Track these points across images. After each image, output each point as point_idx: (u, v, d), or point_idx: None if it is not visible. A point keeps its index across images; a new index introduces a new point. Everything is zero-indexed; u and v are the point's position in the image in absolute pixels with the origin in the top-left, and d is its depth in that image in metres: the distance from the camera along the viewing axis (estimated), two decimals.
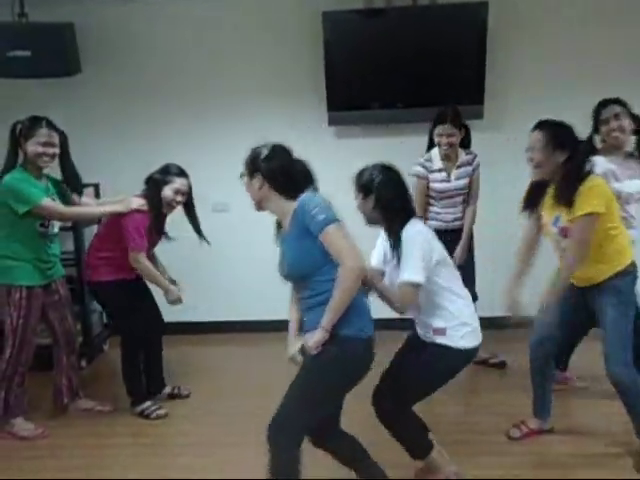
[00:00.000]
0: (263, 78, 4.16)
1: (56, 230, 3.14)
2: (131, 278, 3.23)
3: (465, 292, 2.40)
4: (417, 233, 2.26)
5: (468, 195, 3.59)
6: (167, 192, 3.15)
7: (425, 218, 3.46)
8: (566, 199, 2.45)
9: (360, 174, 2.33)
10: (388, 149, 4.15)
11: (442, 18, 3.93)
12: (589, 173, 2.48)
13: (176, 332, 3.95)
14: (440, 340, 2.30)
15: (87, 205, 3.31)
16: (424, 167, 3.50)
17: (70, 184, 3.17)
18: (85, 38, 4.02)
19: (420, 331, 2.42)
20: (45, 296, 3.11)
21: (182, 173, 3.21)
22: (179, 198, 3.18)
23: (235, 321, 4.44)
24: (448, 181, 3.51)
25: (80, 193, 3.28)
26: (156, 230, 3.22)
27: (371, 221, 2.35)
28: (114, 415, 3.32)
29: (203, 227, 3.34)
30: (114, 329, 3.32)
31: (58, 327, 3.22)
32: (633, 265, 2.60)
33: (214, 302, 4.43)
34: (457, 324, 2.30)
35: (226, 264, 4.33)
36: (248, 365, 3.97)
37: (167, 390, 3.52)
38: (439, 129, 3.41)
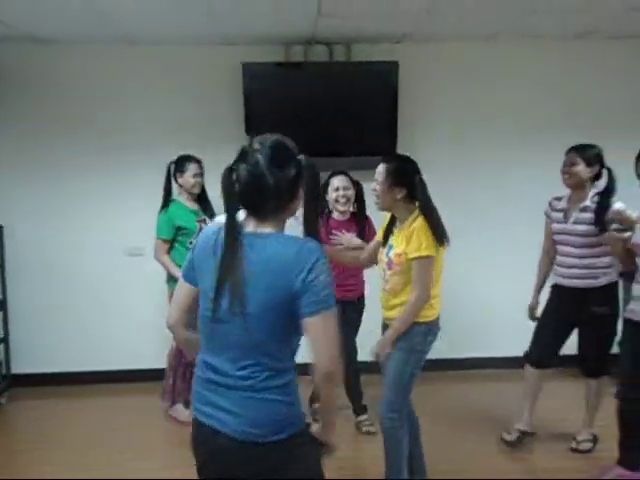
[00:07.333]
0: (184, 124, 4.18)
1: None
2: (345, 298, 3.21)
3: None
4: None
5: None
6: (332, 195, 3.46)
7: None
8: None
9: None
10: None
11: (357, 74, 4.12)
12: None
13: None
14: None
15: None
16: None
17: None
18: None
19: None
20: None
21: (337, 173, 3.49)
22: (342, 192, 3.45)
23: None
24: None
25: None
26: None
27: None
28: None
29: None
30: None
31: None
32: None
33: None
34: None
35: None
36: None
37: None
38: None
